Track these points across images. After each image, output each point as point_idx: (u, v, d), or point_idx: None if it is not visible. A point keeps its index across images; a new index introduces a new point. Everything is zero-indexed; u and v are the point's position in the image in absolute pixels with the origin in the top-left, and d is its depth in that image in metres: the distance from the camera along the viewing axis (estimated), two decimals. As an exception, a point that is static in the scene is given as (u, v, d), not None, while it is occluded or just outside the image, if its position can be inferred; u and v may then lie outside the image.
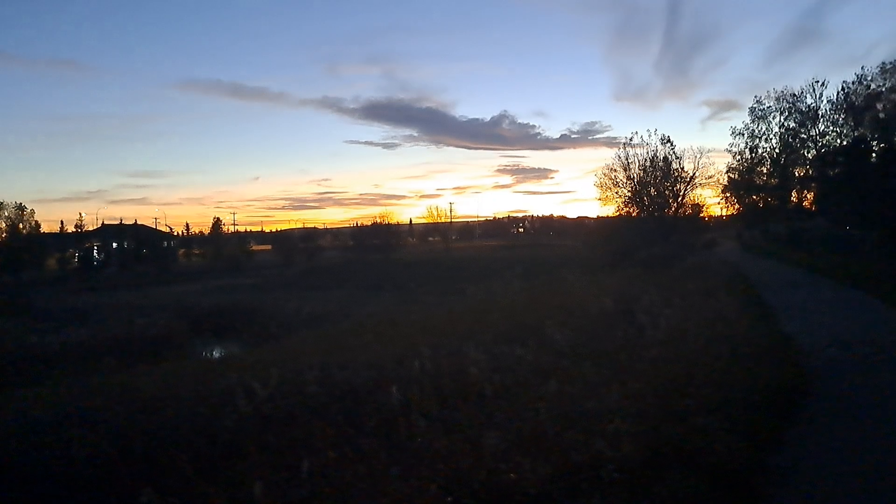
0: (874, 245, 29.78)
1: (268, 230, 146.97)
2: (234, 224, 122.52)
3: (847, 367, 9.71)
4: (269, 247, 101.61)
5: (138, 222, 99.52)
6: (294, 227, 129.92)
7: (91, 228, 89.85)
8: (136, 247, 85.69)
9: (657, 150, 51.59)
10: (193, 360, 22.20)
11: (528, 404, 7.58)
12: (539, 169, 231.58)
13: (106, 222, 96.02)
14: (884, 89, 43.24)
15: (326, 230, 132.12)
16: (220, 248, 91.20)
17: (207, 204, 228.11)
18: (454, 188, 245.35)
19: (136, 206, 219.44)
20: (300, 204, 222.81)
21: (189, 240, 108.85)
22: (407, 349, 11.54)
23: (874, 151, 40.57)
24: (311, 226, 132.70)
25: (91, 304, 43.57)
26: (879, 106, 43.07)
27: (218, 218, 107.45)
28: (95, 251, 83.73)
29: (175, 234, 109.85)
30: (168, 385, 12.14)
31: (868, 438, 6.64)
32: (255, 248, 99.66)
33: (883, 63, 44.26)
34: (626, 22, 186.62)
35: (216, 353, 25.82)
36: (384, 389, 8.24)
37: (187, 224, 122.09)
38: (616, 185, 53.00)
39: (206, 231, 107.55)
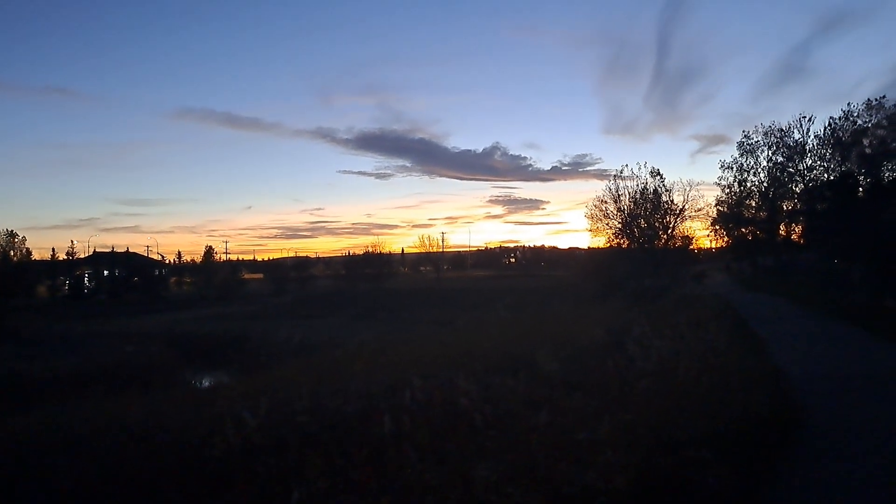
0: (861, 279, 30.00)
1: (260, 259, 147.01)
2: (227, 252, 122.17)
3: (838, 399, 9.75)
4: (261, 275, 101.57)
5: (130, 250, 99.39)
6: (286, 255, 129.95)
7: (82, 256, 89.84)
8: (128, 275, 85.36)
9: (647, 183, 52.35)
10: (183, 388, 22.04)
11: (519, 435, 7.55)
12: (530, 200, 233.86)
13: (97, 250, 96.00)
14: (870, 125, 44.00)
15: (319, 259, 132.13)
16: (212, 276, 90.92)
17: (200, 232, 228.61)
18: (446, 218, 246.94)
19: (129, 234, 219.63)
20: (293, 233, 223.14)
21: (181, 268, 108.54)
22: (398, 379, 11.49)
23: (861, 186, 41.09)
24: (304, 255, 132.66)
25: (81, 332, 43.29)
26: (866, 141, 43.74)
27: (210, 246, 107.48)
28: (86, 279, 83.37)
29: (167, 262, 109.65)
30: (157, 414, 12.02)
31: (862, 471, 6.65)
32: (247, 276, 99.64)
33: (869, 100, 45.18)
34: (617, 57, 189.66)
35: (206, 382, 25.65)
36: (375, 419, 8.19)
37: (179, 252, 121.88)
38: (606, 216, 53.62)
39: (199, 259, 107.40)
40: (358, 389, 11.58)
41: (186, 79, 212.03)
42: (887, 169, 41.03)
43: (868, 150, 42.89)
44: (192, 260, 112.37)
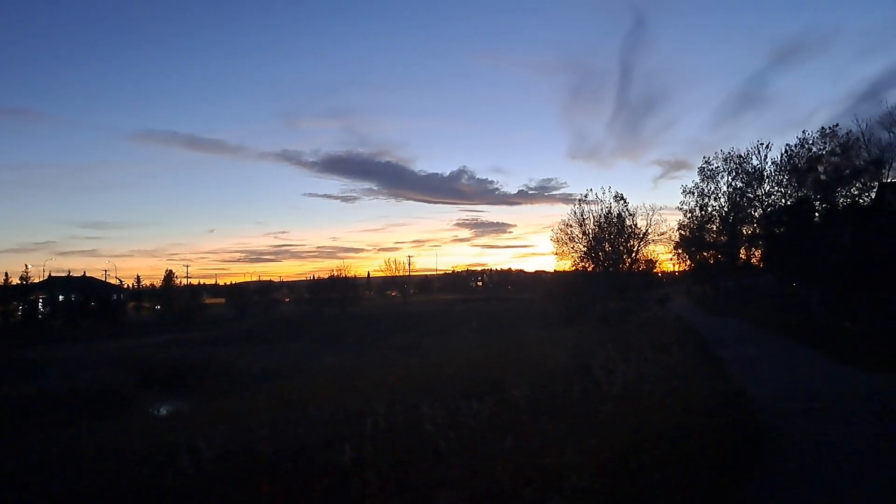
0: (819, 301, 30.62)
1: (222, 283, 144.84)
2: (188, 276, 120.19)
3: (798, 421, 9.82)
4: (223, 300, 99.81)
5: (87, 275, 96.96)
6: (249, 279, 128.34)
7: (37, 280, 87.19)
8: (84, 300, 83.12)
9: (611, 207, 52.83)
10: (141, 416, 21.49)
11: (484, 461, 7.44)
12: (497, 223, 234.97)
13: (53, 274, 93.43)
14: (824, 152, 45.07)
15: (283, 283, 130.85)
16: (173, 300, 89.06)
17: (160, 256, 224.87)
18: (413, 242, 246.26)
19: (86, 257, 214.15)
20: (256, 257, 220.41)
21: (140, 292, 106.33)
22: (362, 405, 11.31)
23: (817, 212, 42.05)
24: (267, 279, 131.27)
25: (34, 359, 41.93)
26: (820, 168, 44.81)
27: (170, 270, 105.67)
28: (41, 304, 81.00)
29: (125, 286, 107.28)
30: (111, 443, 11.67)
31: (824, 493, 6.66)
32: (208, 300, 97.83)
33: (823, 128, 46.29)
34: (581, 84, 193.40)
35: (165, 410, 25.07)
36: (337, 447, 8.01)
37: (138, 276, 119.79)
38: (572, 240, 53.91)
39: (158, 284, 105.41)
40: (321, 417, 11.37)
41: (149, 100, 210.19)
42: (841, 195, 42.07)
43: (823, 177, 43.98)
44: (152, 284, 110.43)
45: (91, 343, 54.53)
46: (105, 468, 8.95)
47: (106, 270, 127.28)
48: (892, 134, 42.16)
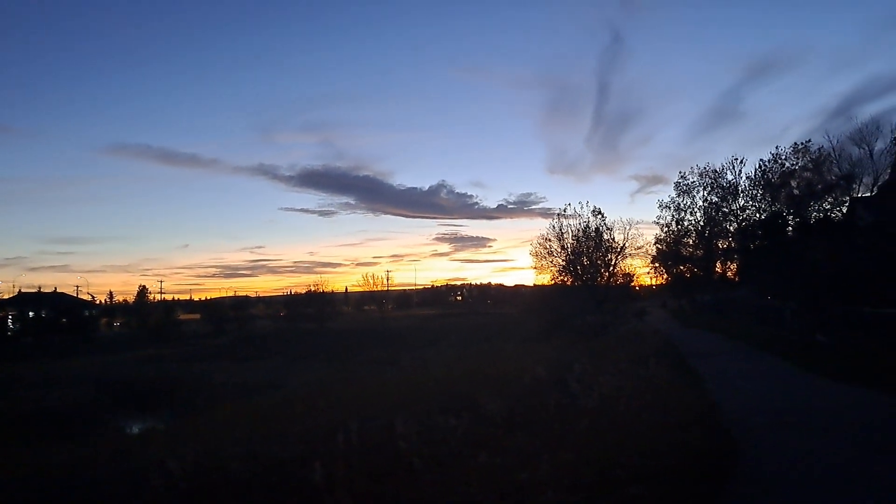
0: (793, 315, 30.96)
1: (197, 298, 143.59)
2: (161, 292, 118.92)
3: (772, 434, 9.87)
4: (198, 315, 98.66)
5: (58, 290, 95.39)
6: (225, 295, 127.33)
7: (7, 297, 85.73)
8: (55, 316, 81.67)
9: (589, 222, 53.05)
10: (113, 435, 21.15)
11: (459, 477, 7.37)
12: (477, 238, 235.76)
13: (23, 290, 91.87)
14: (797, 168, 45.95)
15: (259, 298, 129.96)
16: (146, 316, 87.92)
17: (133, 271, 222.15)
18: (391, 256, 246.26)
19: (57, 273, 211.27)
20: (232, 272, 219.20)
21: (112, 308, 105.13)
22: (338, 422, 11.18)
23: (790, 226, 42.69)
24: (243, 294, 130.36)
25: (2, 376, 41.03)
26: (793, 183, 45.61)
27: (144, 286, 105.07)
28: (10, 321, 79.46)
29: (97, 302, 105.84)
30: (82, 463, 11.44)
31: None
32: (183, 316, 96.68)
33: (795, 143, 47.29)
34: (559, 99, 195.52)
35: (138, 428, 24.69)
36: (312, 465, 7.88)
37: (111, 292, 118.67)
38: (551, 254, 54.03)
39: (131, 299, 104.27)
40: (296, 434, 11.22)
41: (121, 113, 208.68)
42: (813, 209, 42.82)
43: (796, 192, 44.75)
44: (125, 300, 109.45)
45: (62, 360, 53.49)
46: (73, 489, 8.75)
47: (77, 286, 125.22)
48: (862, 150, 43.17)
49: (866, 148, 42.98)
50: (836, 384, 14.67)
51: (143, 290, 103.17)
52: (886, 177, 39.45)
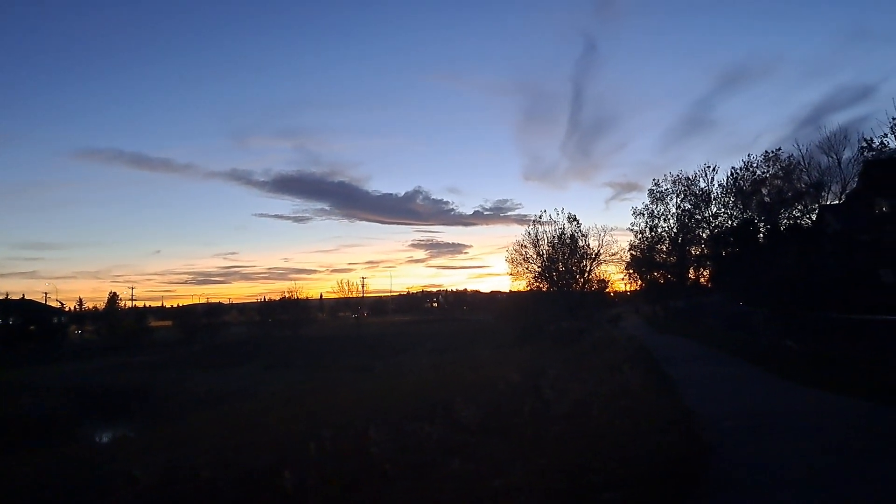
0: (764, 321, 31.35)
1: (169, 305, 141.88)
2: (133, 299, 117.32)
3: (743, 438, 9.95)
4: (170, 323, 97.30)
5: (26, 297, 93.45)
6: (197, 302, 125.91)
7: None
8: (23, 323, 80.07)
9: (565, 228, 53.56)
10: (82, 443, 20.81)
11: (433, 484, 7.32)
12: (453, 244, 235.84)
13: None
14: (767, 175, 46.66)
15: (232, 305, 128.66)
16: (117, 324, 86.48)
17: (103, 278, 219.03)
18: (367, 263, 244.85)
19: (26, 279, 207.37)
20: (205, 278, 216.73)
21: (82, 315, 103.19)
22: (312, 429, 11.08)
23: (761, 233, 43.29)
24: (216, 301, 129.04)
25: (-33, 385, 40.10)
26: (764, 191, 46.32)
27: (114, 292, 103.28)
28: (-23, 328, 77.82)
29: (67, 309, 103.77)
30: (49, 472, 11.22)
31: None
32: (154, 324, 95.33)
33: (766, 151, 48.05)
34: (535, 106, 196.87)
35: (107, 437, 24.31)
36: (283, 473, 7.79)
37: (81, 299, 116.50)
38: (526, 260, 54.38)
39: (102, 306, 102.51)
40: (268, 442, 11.09)
41: (92, 117, 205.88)
42: (784, 217, 43.49)
43: (767, 199, 45.44)
44: (95, 307, 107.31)
45: (31, 368, 52.45)
46: (39, 499, 8.56)
47: (46, 293, 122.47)
48: (831, 158, 43.94)
49: (835, 157, 43.79)
50: (806, 389, 14.87)
51: (113, 297, 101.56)
52: (854, 185, 40.15)
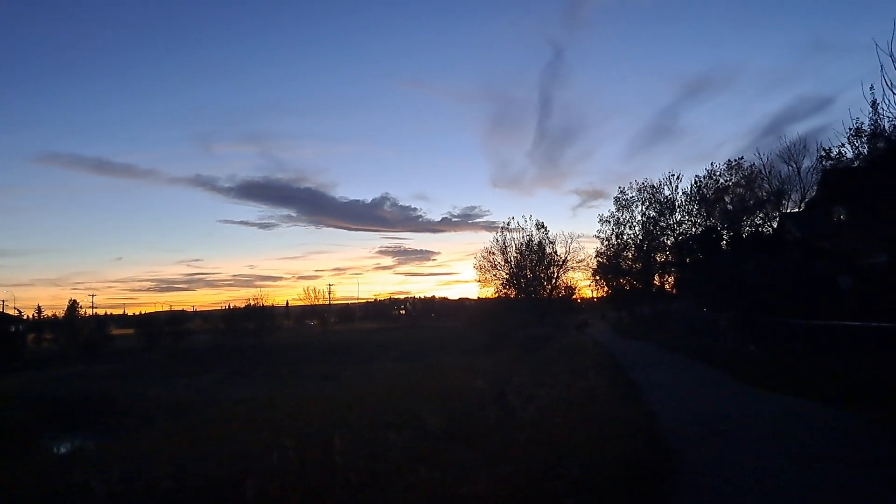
0: (727, 326, 31.87)
1: (131, 313, 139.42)
2: (93, 306, 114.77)
3: (705, 442, 10.08)
4: (131, 330, 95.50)
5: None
6: (160, 309, 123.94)
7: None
8: (-22, 331, 77.91)
9: (532, 235, 53.84)
10: (39, 455, 20.30)
11: (398, 493, 7.26)
12: (421, 251, 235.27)
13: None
14: (730, 184, 47.59)
15: (196, 313, 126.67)
16: (77, 332, 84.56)
17: (63, 285, 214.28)
18: (333, 269, 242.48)
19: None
20: (167, 285, 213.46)
21: (41, 323, 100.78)
22: (275, 438, 10.93)
23: (724, 240, 44.09)
24: (180, 308, 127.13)
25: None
26: (727, 198, 47.24)
27: (74, 300, 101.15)
28: (-71, 336, 75.45)
29: (25, 317, 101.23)
30: (3, 485, 10.89)
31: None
32: (115, 332, 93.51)
33: (729, 160, 49.11)
34: (503, 113, 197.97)
35: (66, 448, 23.75)
36: (245, 483, 7.65)
37: (39, 307, 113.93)
38: (494, 267, 54.55)
39: (61, 314, 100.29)
40: (231, 451, 10.91)
41: (52, 121, 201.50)
42: (746, 224, 44.39)
43: (729, 207, 46.36)
44: (54, 315, 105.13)
45: (-15, 378, 51.02)
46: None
47: (4, 300, 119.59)
48: (791, 167, 44.99)
49: (794, 166, 44.86)
50: (767, 393, 15.12)
51: (73, 305, 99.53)
52: (813, 194, 41.12)
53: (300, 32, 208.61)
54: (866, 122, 24.66)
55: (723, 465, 8.64)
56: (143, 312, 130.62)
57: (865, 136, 26.12)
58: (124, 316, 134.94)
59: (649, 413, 12.80)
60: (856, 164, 27.95)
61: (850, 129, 26.64)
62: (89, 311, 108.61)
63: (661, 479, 8.06)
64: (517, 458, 8.26)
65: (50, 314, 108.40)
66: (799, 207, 43.61)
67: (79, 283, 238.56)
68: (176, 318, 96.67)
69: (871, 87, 19.97)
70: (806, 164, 43.89)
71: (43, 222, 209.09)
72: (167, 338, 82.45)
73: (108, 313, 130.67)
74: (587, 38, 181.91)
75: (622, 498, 7.06)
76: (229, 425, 15.90)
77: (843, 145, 28.94)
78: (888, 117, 18.92)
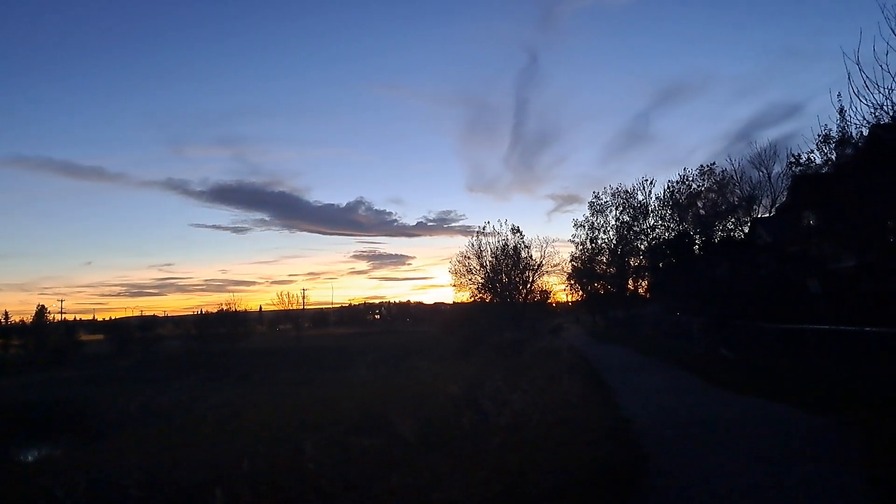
0: (699, 330, 32.20)
1: (101, 318, 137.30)
2: (62, 312, 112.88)
3: (678, 445, 10.12)
4: (101, 336, 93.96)
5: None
6: (131, 314, 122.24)
7: None
8: (-57, 338, 76.11)
9: (508, 239, 54.09)
10: (5, 464, 19.92)
11: (371, 499, 7.20)
12: (396, 255, 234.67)
13: None
14: (703, 189, 48.14)
15: (167, 318, 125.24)
16: (45, 338, 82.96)
17: (31, 290, 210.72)
18: (308, 274, 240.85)
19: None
20: (138, 290, 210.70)
21: (8, 329, 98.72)
22: (247, 445, 10.81)
23: (696, 244, 44.54)
24: (151, 313, 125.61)
25: None
26: (699, 203, 47.75)
27: (42, 305, 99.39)
28: None
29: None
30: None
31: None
32: (85, 337, 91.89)
33: (701, 166, 49.67)
34: (478, 118, 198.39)
35: (33, 456, 23.31)
36: (215, 491, 7.54)
37: (6, 312, 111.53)
38: (470, 272, 54.70)
39: (29, 320, 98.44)
40: (201, 459, 10.76)
41: (20, 124, 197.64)
42: (718, 229, 44.92)
43: (702, 212, 46.90)
44: (22, 321, 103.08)
45: (-50, 385, 49.83)
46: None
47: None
48: (762, 173, 45.60)
49: (765, 171, 45.44)
50: (739, 396, 15.26)
51: (42, 310, 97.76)
52: (784, 199, 41.72)
53: (274, 34, 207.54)
54: (835, 128, 25.04)
55: (696, 468, 8.68)
56: (113, 318, 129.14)
57: (834, 142, 26.54)
58: (94, 321, 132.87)
59: (623, 417, 12.85)
60: (825, 170, 28.38)
61: (819, 136, 27.05)
62: (58, 317, 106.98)
63: (635, 482, 8.07)
64: (491, 464, 8.23)
65: (18, 320, 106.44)
66: (770, 212, 44.18)
67: (47, 288, 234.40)
68: (147, 324, 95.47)
69: (839, 95, 20.28)
70: (777, 169, 44.48)
71: (10, 226, 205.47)
72: (138, 343, 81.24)
73: (78, 319, 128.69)
74: (562, 44, 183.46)
75: (597, 501, 7.06)
76: (200, 432, 15.70)
77: (812, 151, 29.41)
78: (855, 124, 19.23)
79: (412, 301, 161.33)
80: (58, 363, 68.12)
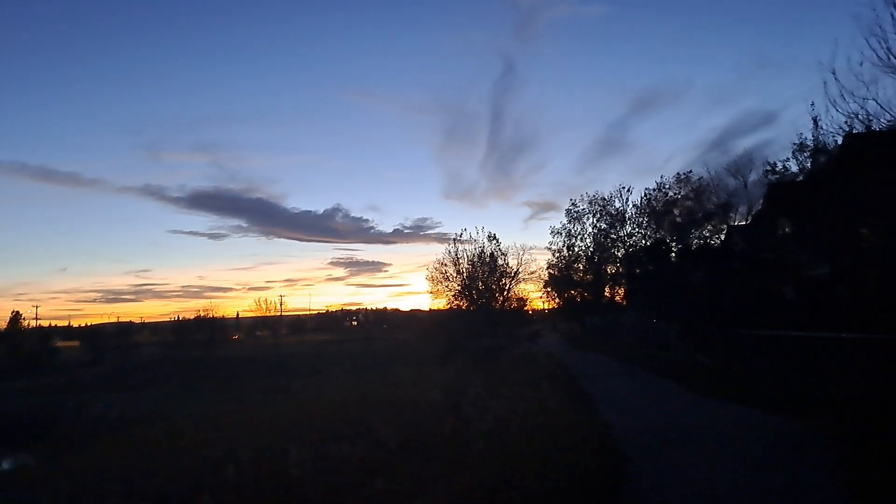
0: (676, 336, 32.57)
1: (76, 325, 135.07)
2: (37, 318, 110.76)
3: (656, 451, 10.30)
4: (77, 343, 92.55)
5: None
6: (107, 321, 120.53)
7: None
8: (-87, 345, 74.52)
9: (484, 247, 54.30)
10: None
11: (354, 506, 7.26)
12: (373, 262, 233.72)
13: None
14: (679, 197, 48.75)
15: (144, 325, 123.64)
16: (18, 345, 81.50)
17: (5, 296, 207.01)
18: (285, 281, 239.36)
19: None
20: (114, 296, 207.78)
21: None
22: (228, 452, 10.78)
23: (673, 252, 45.04)
24: (127, 320, 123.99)
25: None
26: (676, 211, 48.36)
27: (17, 311, 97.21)
28: None
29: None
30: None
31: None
32: (60, 344, 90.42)
33: (678, 173, 50.24)
34: (455, 125, 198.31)
35: (7, 466, 22.89)
36: (198, 499, 7.55)
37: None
38: (446, 279, 54.84)
39: (2, 326, 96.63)
40: (182, 466, 10.72)
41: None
42: (694, 236, 45.50)
43: (678, 219, 47.48)
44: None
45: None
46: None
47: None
48: (737, 181, 46.33)
49: (741, 179, 46.18)
50: (716, 402, 15.52)
51: (16, 316, 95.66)
52: (759, 206, 42.40)
53: (252, 41, 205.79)
54: (809, 137, 25.60)
55: (675, 472, 8.85)
56: (89, 324, 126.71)
57: (808, 151, 27.10)
58: (69, 328, 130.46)
59: (602, 422, 13.02)
60: (800, 178, 28.94)
61: (794, 144, 27.63)
62: (33, 323, 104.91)
63: (614, 486, 8.22)
64: (473, 470, 8.33)
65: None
66: (746, 220, 44.83)
67: (21, 293, 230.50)
68: (123, 330, 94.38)
69: (813, 104, 20.77)
70: (752, 177, 45.17)
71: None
72: (114, 350, 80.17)
73: (53, 325, 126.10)
74: (538, 52, 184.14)
75: (576, 506, 7.19)
76: (179, 439, 15.61)
77: (787, 160, 30.03)
78: (830, 133, 19.70)
79: (389, 308, 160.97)
80: (32, 370, 66.90)
